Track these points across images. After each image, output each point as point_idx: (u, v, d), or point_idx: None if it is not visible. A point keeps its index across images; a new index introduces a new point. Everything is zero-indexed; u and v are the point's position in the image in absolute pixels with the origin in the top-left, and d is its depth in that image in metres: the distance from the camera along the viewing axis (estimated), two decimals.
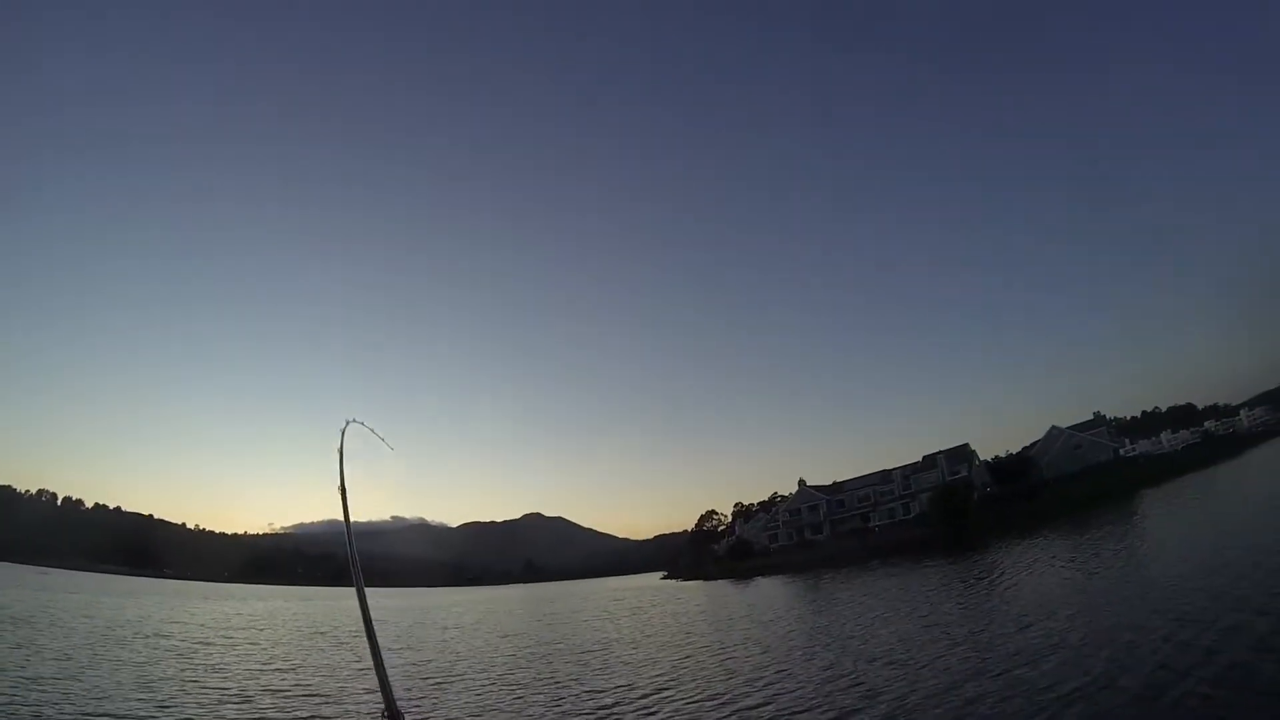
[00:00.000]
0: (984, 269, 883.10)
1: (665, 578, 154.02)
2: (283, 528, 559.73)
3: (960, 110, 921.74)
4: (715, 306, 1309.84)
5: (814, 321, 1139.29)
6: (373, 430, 8.07)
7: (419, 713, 19.55)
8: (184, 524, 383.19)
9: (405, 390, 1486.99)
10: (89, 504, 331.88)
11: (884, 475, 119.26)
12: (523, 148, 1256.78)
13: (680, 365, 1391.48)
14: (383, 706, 5.53)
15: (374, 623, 5.97)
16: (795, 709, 16.67)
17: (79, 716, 16.97)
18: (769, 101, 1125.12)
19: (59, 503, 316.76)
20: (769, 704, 17.45)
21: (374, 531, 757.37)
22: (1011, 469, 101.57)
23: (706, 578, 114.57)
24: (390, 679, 5.56)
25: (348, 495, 7.14)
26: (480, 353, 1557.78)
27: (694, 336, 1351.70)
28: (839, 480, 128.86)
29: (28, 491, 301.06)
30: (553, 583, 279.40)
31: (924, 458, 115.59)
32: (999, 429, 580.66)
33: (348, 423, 7.79)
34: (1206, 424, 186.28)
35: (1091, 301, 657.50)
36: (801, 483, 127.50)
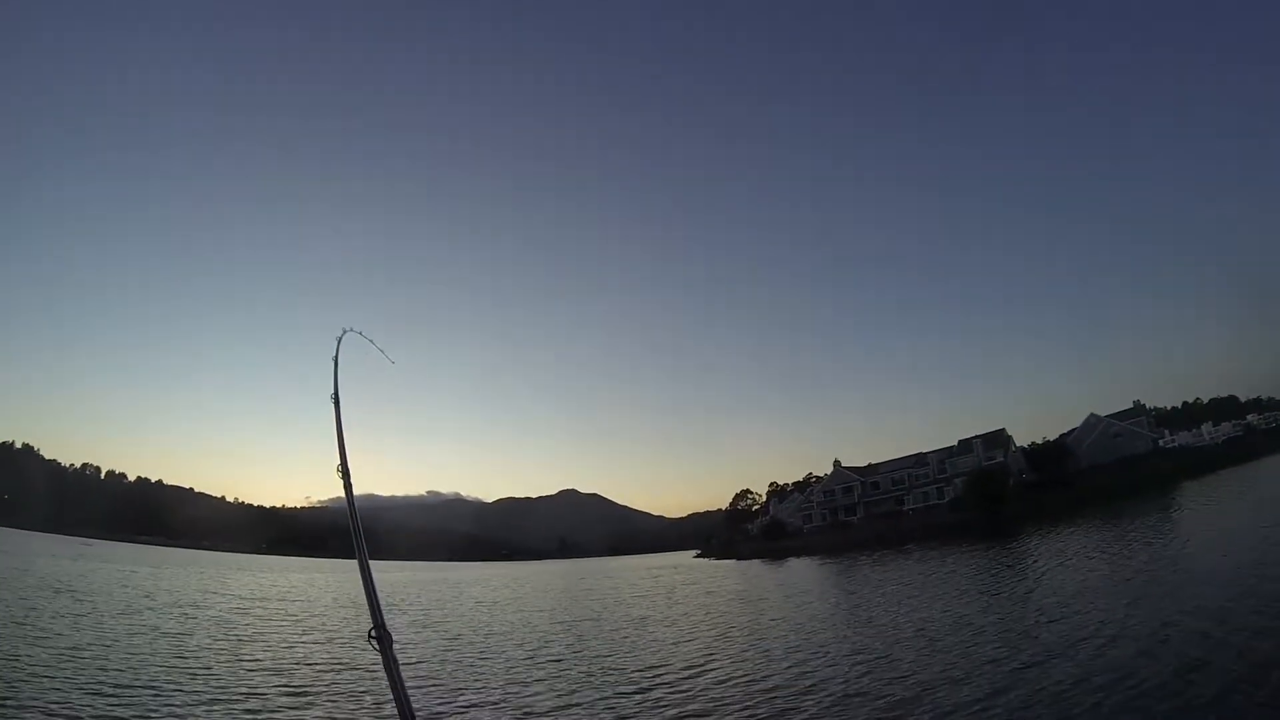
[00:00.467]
0: (1026, 252, 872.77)
1: (698, 556, 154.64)
2: (318, 501, 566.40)
3: (1003, 92, 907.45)
4: (757, 285, 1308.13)
5: (854, 302, 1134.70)
6: (371, 341, 7.55)
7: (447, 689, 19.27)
8: (223, 496, 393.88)
9: (444, 365, 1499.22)
10: (131, 477, 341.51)
11: (919, 458, 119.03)
12: (563, 129, 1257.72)
13: (720, 344, 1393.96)
14: (371, 626, 5.18)
15: (370, 561, 5.47)
16: (846, 693, 16.27)
17: (116, 687, 17.00)
18: (820, 71, 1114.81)
19: (102, 476, 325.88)
20: (816, 689, 17.07)
21: (411, 505, 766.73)
22: (1048, 456, 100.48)
23: (739, 557, 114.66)
24: (384, 606, 5.04)
25: (340, 406, 6.60)
26: (520, 329, 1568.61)
27: (734, 315, 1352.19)
28: (874, 462, 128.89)
29: (72, 465, 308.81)
30: (587, 559, 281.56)
31: (960, 442, 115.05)
32: (1036, 415, 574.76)
33: (344, 331, 7.21)
34: (1249, 418, 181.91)
35: (1134, 288, 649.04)
36: (836, 464, 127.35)
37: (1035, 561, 38.47)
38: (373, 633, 5.10)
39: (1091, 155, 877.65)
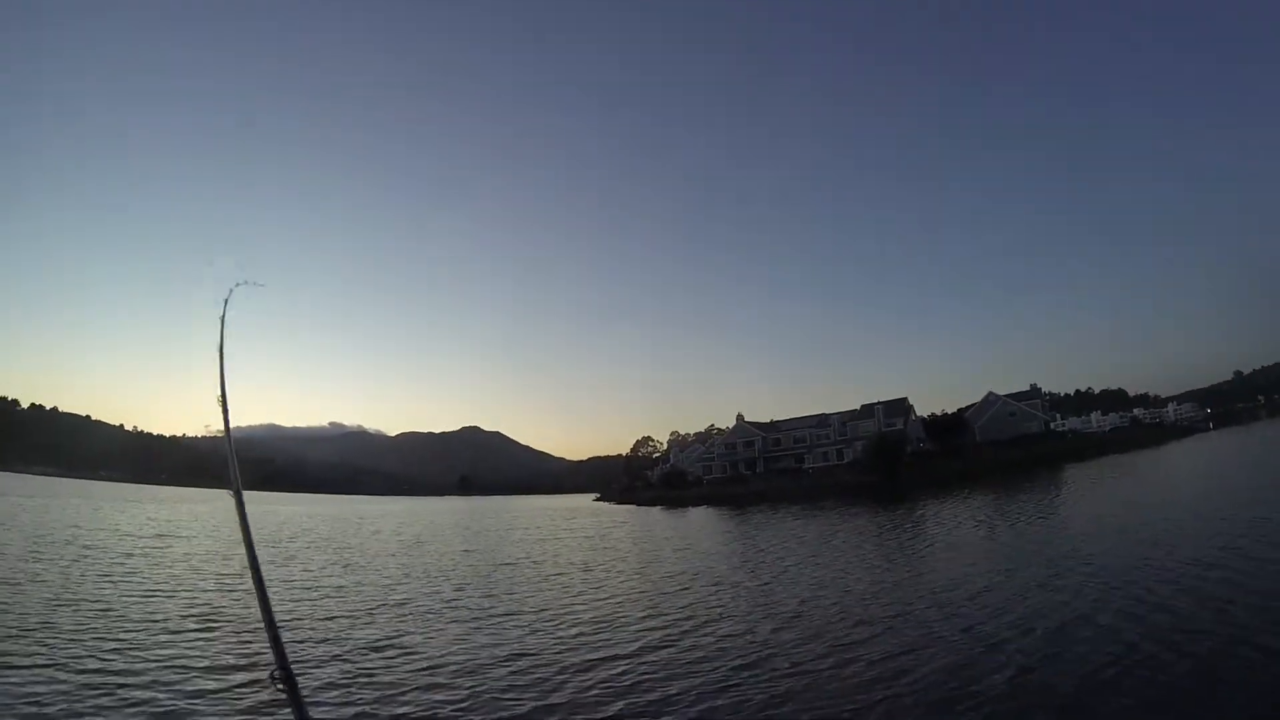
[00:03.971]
0: (941, 234, 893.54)
1: (597, 499, 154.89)
2: (218, 430, 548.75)
3: (926, 68, 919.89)
4: (666, 238, 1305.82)
5: (765, 262, 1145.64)
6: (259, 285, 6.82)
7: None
8: (121, 425, 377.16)
9: (348, 293, 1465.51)
10: (24, 404, 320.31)
11: (821, 419, 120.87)
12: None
13: (627, 291, 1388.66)
14: (274, 666, 4.59)
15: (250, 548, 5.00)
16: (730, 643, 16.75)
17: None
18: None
19: None
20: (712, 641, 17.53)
21: (311, 438, 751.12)
22: (946, 427, 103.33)
23: (638, 503, 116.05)
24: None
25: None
26: (428, 265, 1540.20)
27: (643, 265, 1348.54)
28: (776, 419, 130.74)
29: None
30: (487, 497, 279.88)
31: (862, 406, 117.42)
32: (937, 388, 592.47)
33: (231, 291, 6.59)
34: (1136, 411, 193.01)
35: (1042, 277, 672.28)
36: (739, 417, 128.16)
37: (920, 525, 39.66)
38: (275, 673, 4.52)
39: (1011, 149, 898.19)
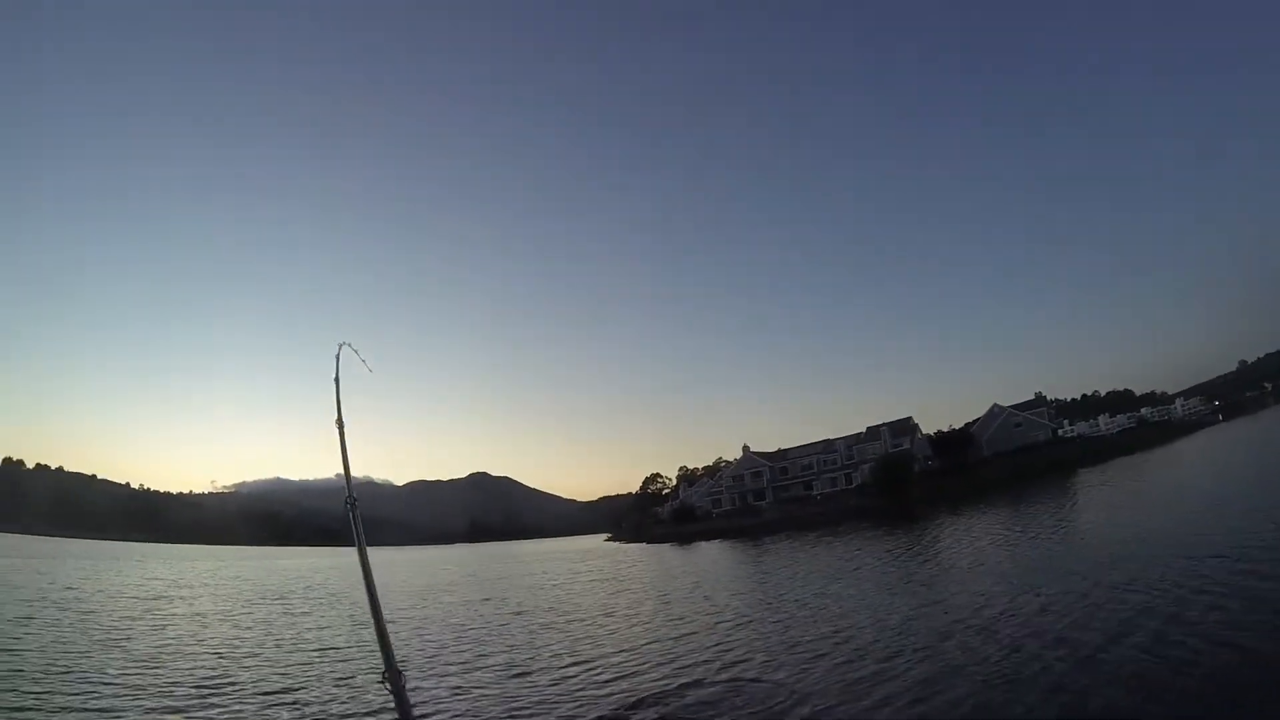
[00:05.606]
0: (937, 248, 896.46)
1: (608, 539, 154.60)
2: (223, 486, 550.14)
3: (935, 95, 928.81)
4: (669, 276, 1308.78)
5: (766, 291, 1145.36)
6: (356, 353, 7.46)
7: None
8: (127, 483, 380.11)
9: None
10: (30, 464, 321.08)
11: (827, 445, 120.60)
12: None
13: (633, 332, 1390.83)
14: (383, 668, 5.61)
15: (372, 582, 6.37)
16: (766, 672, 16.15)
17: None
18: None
19: None
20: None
21: (319, 490, 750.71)
22: (953, 443, 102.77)
23: (649, 540, 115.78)
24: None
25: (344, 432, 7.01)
26: (431, 312, 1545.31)
27: (647, 306, 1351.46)
28: (783, 448, 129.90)
29: None
30: (499, 543, 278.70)
31: (868, 429, 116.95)
32: (942, 404, 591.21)
33: (340, 346, 7.23)
34: (1143, 410, 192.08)
35: (1040, 286, 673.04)
36: (746, 449, 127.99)
37: (932, 545, 39.41)
38: (385, 673, 5.54)
39: (1007, 164, 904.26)
